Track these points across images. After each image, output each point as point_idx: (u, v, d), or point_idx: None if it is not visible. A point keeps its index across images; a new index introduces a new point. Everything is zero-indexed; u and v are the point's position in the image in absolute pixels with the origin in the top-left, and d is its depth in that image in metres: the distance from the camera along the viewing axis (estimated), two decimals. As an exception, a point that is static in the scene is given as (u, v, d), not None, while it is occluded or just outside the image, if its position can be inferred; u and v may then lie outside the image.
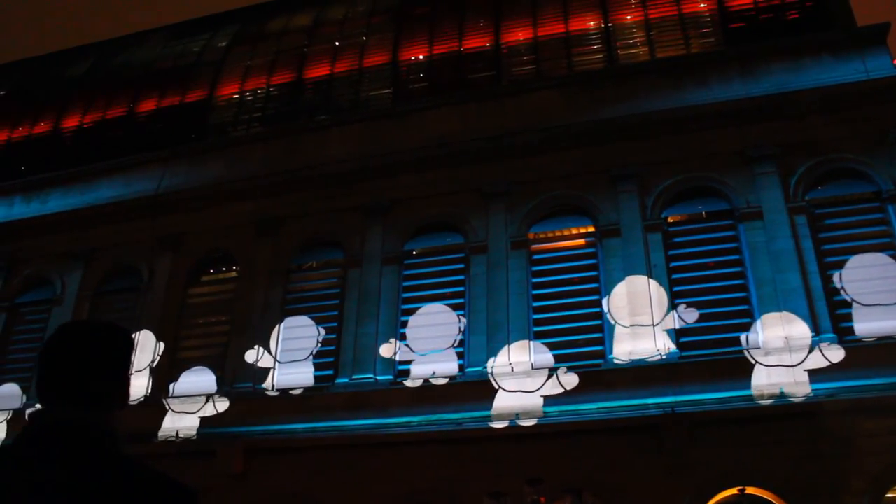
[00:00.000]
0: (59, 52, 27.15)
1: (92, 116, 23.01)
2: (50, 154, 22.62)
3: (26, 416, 2.18)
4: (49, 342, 2.33)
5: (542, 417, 13.99)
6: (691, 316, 14.38)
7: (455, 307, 15.94)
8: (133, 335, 17.58)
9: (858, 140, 14.97)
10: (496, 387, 14.59)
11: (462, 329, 15.61)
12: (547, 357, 14.82)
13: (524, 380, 14.52)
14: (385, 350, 15.73)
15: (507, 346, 14.97)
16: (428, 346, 15.67)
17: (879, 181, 14.67)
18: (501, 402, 14.44)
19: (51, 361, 2.29)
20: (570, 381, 14.27)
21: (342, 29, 21.69)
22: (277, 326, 16.93)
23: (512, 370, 14.69)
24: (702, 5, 18.29)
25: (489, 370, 14.81)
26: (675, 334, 14.28)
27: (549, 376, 14.43)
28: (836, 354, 13.20)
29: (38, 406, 2.31)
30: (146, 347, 17.42)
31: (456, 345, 15.55)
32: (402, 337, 15.95)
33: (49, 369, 2.28)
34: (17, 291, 20.30)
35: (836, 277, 14.02)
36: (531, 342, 15.00)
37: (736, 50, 17.02)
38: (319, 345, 16.50)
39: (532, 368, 14.66)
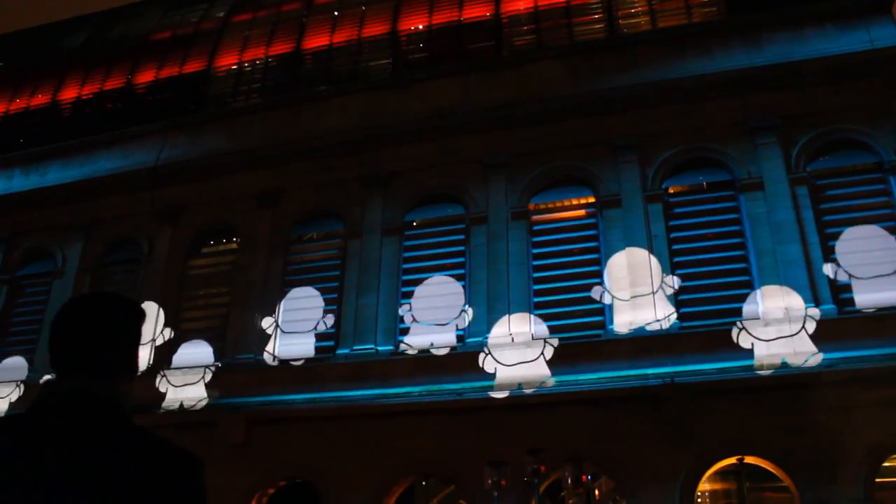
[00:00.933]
0: (57, 22, 26.90)
1: (90, 88, 22.87)
2: (48, 126, 22.51)
3: (39, 385, 2.21)
4: (61, 312, 2.35)
5: (542, 387, 14.04)
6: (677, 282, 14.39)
7: (455, 278, 15.94)
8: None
9: (861, 110, 14.88)
10: (496, 357, 14.63)
11: (463, 300, 15.62)
12: (547, 327, 14.85)
13: (524, 350, 14.57)
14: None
15: (507, 317, 15.00)
16: (430, 316, 15.70)
17: (881, 152, 14.61)
18: (502, 372, 14.49)
19: (63, 331, 2.31)
20: (571, 351, 14.32)
21: (341, -2, 21.48)
22: (278, 297, 16.96)
23: (512, 340, 14.73)
24: (704, -26, 18.08)
25: (489, 340, 14.85)
26: (675, 305, 14.30)
27: (549, 346, 14.48)
28: (835, 325, 13.23)
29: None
30: (149, 319, 17.46)
31: (457, 316, 15.57)
32: (407, 308, 15.96)
33: (61, 339, 2.30)
34: (18, 264, 20.32)
35: (835, 249, 13.99)
36: (531, 313, 15.03)
37: (738, 19, 16.85)
38: (320, 316, 16.52)
39: (532, 339, 14.70)
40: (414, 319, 15.75)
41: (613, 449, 13.18)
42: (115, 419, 2.18)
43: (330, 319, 16.34)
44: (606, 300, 14.68)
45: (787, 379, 12.97)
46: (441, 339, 15.38)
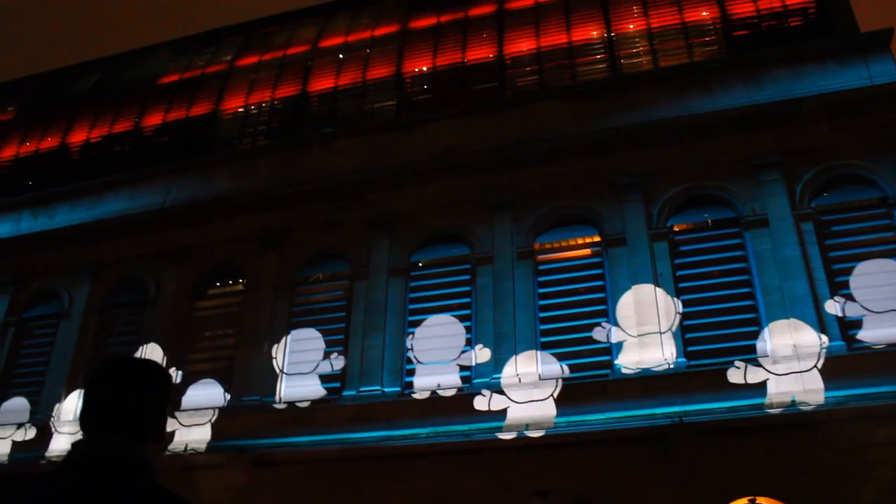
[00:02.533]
0: (66, 67, 27.33)
1: (98, 131, 23.15)
2: (57, 169, 22.77)
3: (70, 445, 2.30)
4: (95, 375, 2.49)
5: (549, 428, 13.93)
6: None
7: (461, 318, 15.92)
8: (141, 349, 17.66)
9: (863, 146, 14.94)
10: (503, 398, 14.55)
11: (469, 340, 15.57)
12: (554, 367, 14.79)
13: (531, 390, 14.49)
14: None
15: (514, 357, 14.95)
16: (435, 357, 15.65)
17: (885, 186, 14.63)
18: (509, 413, 14.39)
19: (96, 394, 2.43)
20: (577, 391, 14.24)
21: (346, 41, 21.79)
22: (284, 339, 16.95)
23: (519, 381, 14.66)
24: (704, 13, 18.31)
25: (496, 381, 14.78)
26: (683, 343, 14.24)
27: (557, 387, 14.41)
28: (845, 362, 13.14)
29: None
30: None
31: (464, 356, 15.51)
32: (409, 349, 15.92)
33: (94, 401, 2.42)
34: (25, 306, 20.39)
35: (839, 296, 13.90)
36: (538, 352, 14.97)
37: (739, 58, 17.01)
38: (326, 357, 16.49)
39: (539, 379, 14.63)
40: (419, 361, 15.69)
41: (621, 490, 13.02)
42: (141, 480, 2.26)
43: (339, 362, 16.28)
44: (613, 339, 14.63)
45: (798, 417, 12.81)
46: (448, 381, 15.30)
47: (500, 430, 14.20)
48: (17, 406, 18.67)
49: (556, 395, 14.31)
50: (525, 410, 14.31)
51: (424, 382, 15.43)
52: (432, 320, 16.04)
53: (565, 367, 14.72)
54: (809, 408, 12.84)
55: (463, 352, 15.50)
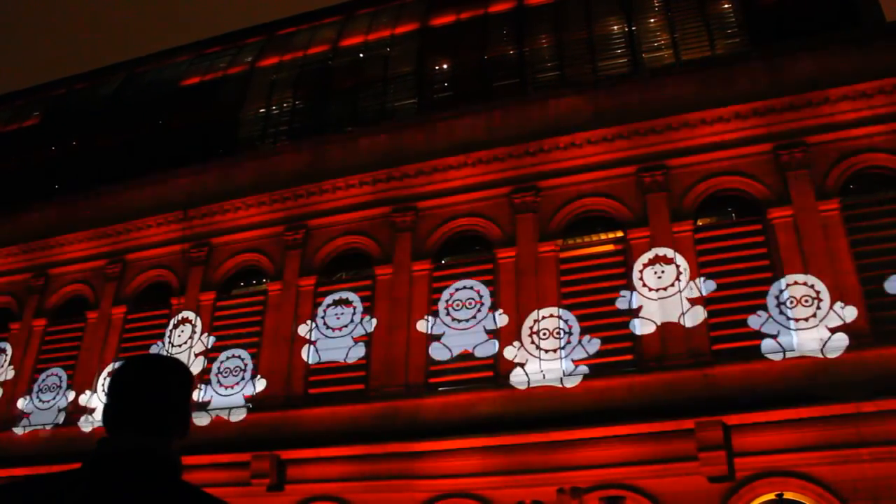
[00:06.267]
0: (89, 72, 27.61)
1: (123, 133, 23.36)
2: (82, 171, 23.00)
3: (96, 442, 2.31)
4: (118, 374, 2.48)
5: (575, 424, 13.85)
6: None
7: (485, 314, 15.88)
8: (166, 348, 17.82)
9: (888, 136, 14.73)
10: (530, 393, 14.53)
11: (493, 336, 15.56)
12: (579, 363, 14.74)
13: (557, 386, 14.46)
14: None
15: (538, 354, 14.91)
16: (461, 353, 15.66)
17: (913, 178, 14.42)
18: (534, 408, 14.37)
19: (120, 391, 2.43)
20: (603, 386, 14.19)
21: (366, 40, 21.83)
22: (309, 336, 17.02)
23: (543, 377, 14.64)
24: (726, 6, 18.16)
25: (521, 377, 14.77)
26: (709, 338, 14.13)
27: (583, 382, 14.37)
28: (875, 355, 12.98)
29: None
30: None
31: (488, 352, 15.50)
32: (434, 343, 15.94)
33: (118, 399, 2.42)
34: (52, 307, 20.65)
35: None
36: (562, 348, 14.92)
37: (762, 49, 16.83)
38: (349, 354, 16.55)
39: (564, 375, 14.59)
40: (449, 355, 15.71)
41: (652, 485, 12.98)
42: (167, 477, 2.26)
43: (359, 349, 16.31)
44: (637, 331, 14.57)
45: (828, 410, 12.66)
46: (474, 377, 15.33)
47: (525, 425, 14.14)
48: (47, 406, 18.93)
49: (581, 390, 14.26)
50: (550, 405, 14.27)
51: (450, 379, 15.45)
52: (461, 317, 15.98)
53: (589, 363, 14.68)
54: (839, 402, 12.64)
55: (480, 347, 15.48)
